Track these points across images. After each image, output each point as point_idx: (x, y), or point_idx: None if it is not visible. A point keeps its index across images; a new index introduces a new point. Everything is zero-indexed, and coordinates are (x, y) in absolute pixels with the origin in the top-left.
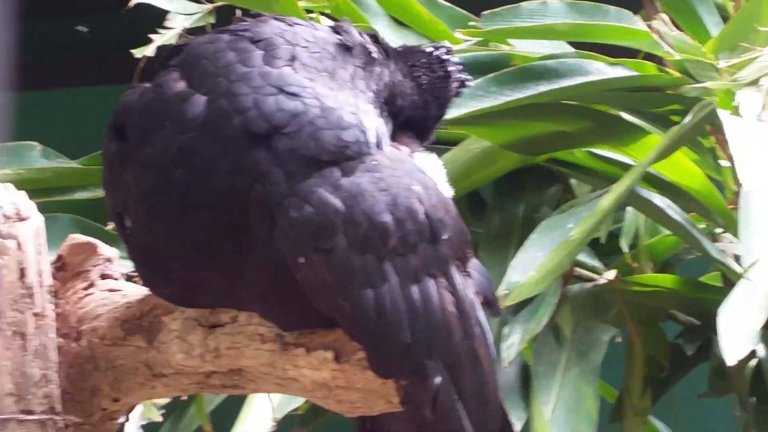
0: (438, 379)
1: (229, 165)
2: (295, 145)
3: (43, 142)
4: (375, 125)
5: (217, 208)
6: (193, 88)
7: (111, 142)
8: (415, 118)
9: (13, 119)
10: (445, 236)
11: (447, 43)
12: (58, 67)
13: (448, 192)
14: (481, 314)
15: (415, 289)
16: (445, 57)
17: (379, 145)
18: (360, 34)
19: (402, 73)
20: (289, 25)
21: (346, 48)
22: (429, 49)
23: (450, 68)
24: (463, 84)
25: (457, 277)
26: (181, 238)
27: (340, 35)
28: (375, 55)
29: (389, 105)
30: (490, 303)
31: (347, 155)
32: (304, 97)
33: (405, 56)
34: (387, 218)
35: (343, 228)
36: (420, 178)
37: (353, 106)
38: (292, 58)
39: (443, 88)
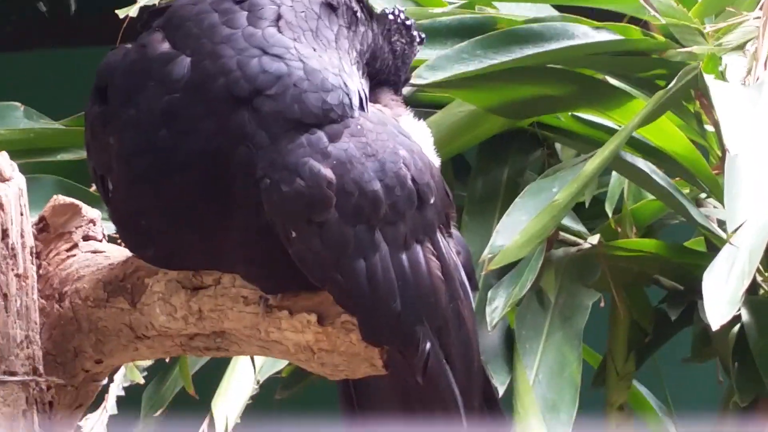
0: (428, 345)
1: (213, 126)
2: (279, 107)
3: (26, 102)
4: (358, 87)
5: (200, 170)
6: (177, 50)
7: (94, 103)
8: (388, 82)
9: None
10: (431, 201)
11: (398, 5)
12: (41, 28)
13: (434, 158)
14: (463, 275)
15: (404, 257)
16: (408, 22)
17: (362, 108)
18: None
19: (381, 36)
20: None
21: (331, 7)
22: (391, 15)
23: (413, 32)
24: (421, 41)
25: (442, 241)
26: (163, 200)
27: None
28: (359, 14)
29: (369, 66)
30: (469, 276)
31: (331, 118)
32: (288, 59)
33: (380, 20)
34: (377, 186)
35: (336, 199)
36: (404, 141)
37: (337, 68)
38: (277, 18)
39: (410, 53)
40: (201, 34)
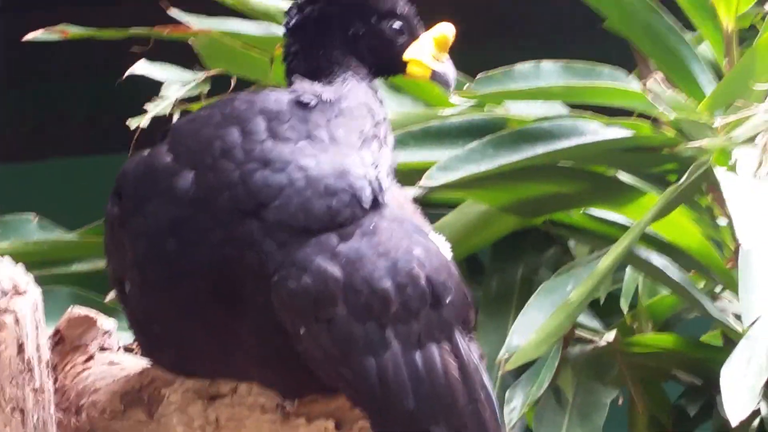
0: None
1: (221, 236)
2: (283, 217)
3: (39, 212)
4: (368, 180)
5: (209, 277)
6: (179, 163)
7: (113, 205)
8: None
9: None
10: (448, 300)
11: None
12: (54, 137)
13: (448, 254)
14: (485, 377)
15: (417, 355)
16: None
17: (377, 199)
18: (311, 83)
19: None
20: (254, 96)
21: (307, 106)
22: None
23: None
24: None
25: (461, 341)
26: (174, 306)
27: (299, 95)
28: (332, 96)
29: (375, 122)
30: None
31: (339, 222)
32: (288, 171)
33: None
34: (387, 284)
35: (343, 296)
36: (420, 240)
37: (339, 169)
38: (269, 130)
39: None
40: (200, 148)
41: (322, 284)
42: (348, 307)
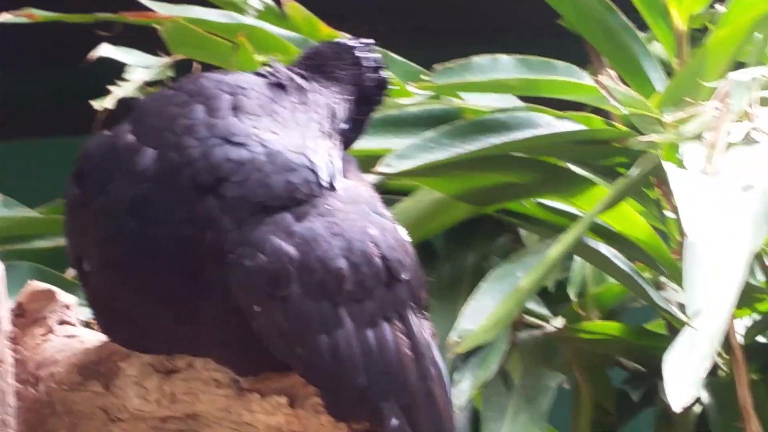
0: (395, 422)
1: (181, 214)
2: (243, 192)
3: (2, 191)
4: (325, 161)
5: (169, 256)
6: (140, 142)
7: (73, 186)
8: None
9: None
10: (403, 277)
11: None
12: (18, 118)
13: (405, 234)
14: (437, 355)
15: (370, 334)
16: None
17: (332, 181)
18: (286, 68)
19: (330, 89)
20: (224, 74)
21: (280, 86)
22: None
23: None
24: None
25: (413, 319)
26: (134, 285)
27: (270, 77)
28: (305, 85)
29: (332, 127)
30: None
31: (297, 199)
32: (250, 145)
33: (324, 61)
34: (342, 263)
35: (298, 275)
36: (376, 220)
37: (300, 147)
38: (234, 107)
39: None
40: (163, 126)
41: (278, 263)
42: (302, 286)
